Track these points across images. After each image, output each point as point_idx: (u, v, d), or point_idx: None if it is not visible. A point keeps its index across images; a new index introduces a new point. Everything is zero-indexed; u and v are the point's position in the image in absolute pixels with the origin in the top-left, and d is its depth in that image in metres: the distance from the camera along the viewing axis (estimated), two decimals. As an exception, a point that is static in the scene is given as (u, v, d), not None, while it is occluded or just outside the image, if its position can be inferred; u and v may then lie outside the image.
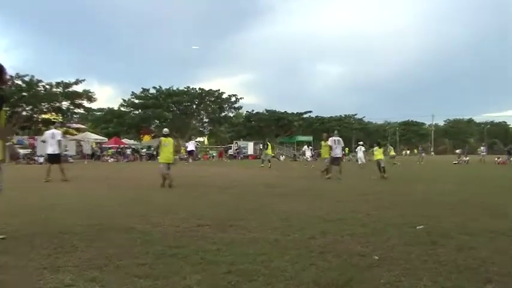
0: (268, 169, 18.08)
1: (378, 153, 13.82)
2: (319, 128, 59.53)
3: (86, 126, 41.71)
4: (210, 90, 41.56)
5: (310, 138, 50.23)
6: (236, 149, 39.15)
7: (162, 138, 9.48)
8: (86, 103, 33.10)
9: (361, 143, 21.11)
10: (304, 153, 22.05)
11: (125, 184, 9.79)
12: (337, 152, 11.93)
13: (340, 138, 12.14)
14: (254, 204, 6.25)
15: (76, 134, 34.52)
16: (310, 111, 51.58)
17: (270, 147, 21.76)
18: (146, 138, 40.69)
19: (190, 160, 25.39)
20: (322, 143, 12.74)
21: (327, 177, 11.29)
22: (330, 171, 11.73)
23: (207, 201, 6.64)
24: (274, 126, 48.50)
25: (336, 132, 12.40)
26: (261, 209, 5.77)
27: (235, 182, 10.42)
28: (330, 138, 12.05)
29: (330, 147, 11.91)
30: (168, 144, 9.35)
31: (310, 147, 22.75)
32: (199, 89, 41.37)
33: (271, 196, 7.32)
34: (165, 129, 9.87)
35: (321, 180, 11.13)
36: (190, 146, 26.62)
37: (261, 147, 23.37)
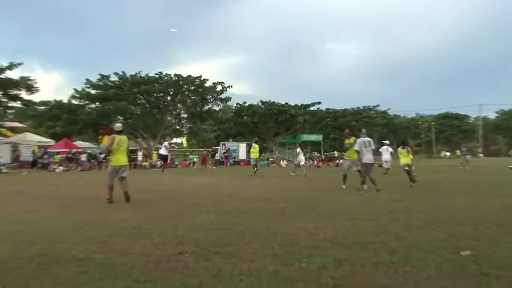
0: (261, 178, 18.14)
1: (404, 156, 13.92)
2: (330, 124, 60.20)
3: (24, 125, 41.48)
4: (189, 76, 41.68)
5: (319, 137, 50.50)
6: (224, 153, 39.25)
7: (116, 135, 9.67)
8: (24, 94, 32.90)
9: (387, 142, 21.23)
10: (298, 155, 22.14)
11: (78, 201, 9.75)
12: (370, 158, 11.91)
13: (370, 139, 12.06)
14: (248, 224, 6.27)
15: (11, 136, 34.25)
16: (318, 103, 51.77)
17: (255, 147, 22.17)
18: (106, 140, 40.58)
19: (158, 168, 25.36)
20: (346, 141, 12.75)
21: (376, 191, 11.19)
22: (373, 181, 11.63)
23: (187, 221, 6.64)
24: (273, 123, 48.63)
25: (363, 131, 12.31)
26: (257, 230, 5.79)
27: (223, 196, 10.44)
28: (358, 140, 11.93)
29: (357, 153, 11.84)
30: (123, 144, 9.58)
31: (302, 148, 22.50)
32: (175, 75, 41.50)
33: (270, 214, 7.35)
34: (118, 125, 10.07)
35: (334, 193, 11.17)
36: (163, 149, 26.47)
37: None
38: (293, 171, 21.88)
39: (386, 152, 19.99)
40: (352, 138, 12.55)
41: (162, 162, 26.54)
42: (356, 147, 11.91)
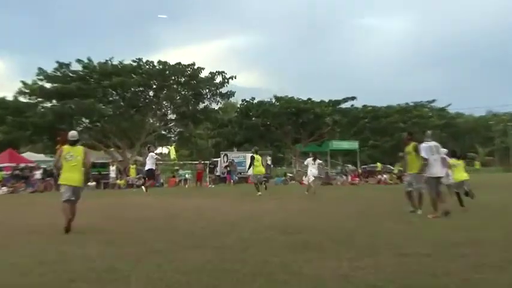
0: (276, 199, 18.15)
1: (458, 170, 13.97)
2: (369, 126, 60.03)
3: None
4: (178, 64, 42.00)
5: (354, 144, 50.44)
6: (226, 166, 39.25)
7: (66, 147, 9.94)
8: None
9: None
10: (308, 169, 22.36)
11: (29, 233, 9.77)
12: (438, 170, 11.84)
13: (438, 145, 12.06)
14: (258, 263, 6.24)
15: None
16: (352, 98, 51.36)
17: (258, 159, 22.63)
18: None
19: (143, 188, 24.89)
20: (406, 149, 12.68)
21: (443, 213, 11.18)
22: (441, 200, 11.62)
23: (177, 259, 6.64)
24: (292, 126, 48.62)
25: (428, 133, 12.30)
26: (271, 272, 5.76)
27: (226, 225, 10.45)
28: (422, 145, 11.93)
29: (424, 160, 11.78)
30: (74, 157, 9.80)
31: (317, 159, 22.50)
32: (160, 62, 41.82)
33: (288, 248, 7.32)
34: (72, 133, 10.28)
35: (375, 219, 11.12)
36: (149, 162, 25.70)
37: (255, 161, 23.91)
38: (307, 190, 22.11)
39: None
40: (412, 145, 12.47)
41: (146, 180, 26.06)
42: (423, 154, 11.82)
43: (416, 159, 12.12)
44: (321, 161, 24.98)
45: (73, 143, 9.97)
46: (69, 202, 9.60)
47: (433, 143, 12.01)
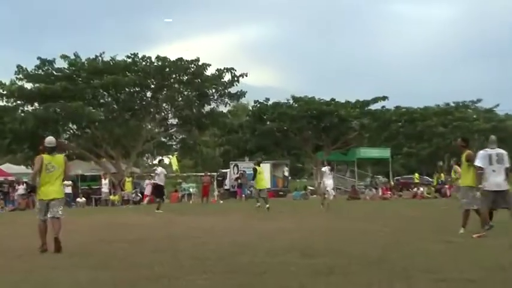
0: (294, 217, 18.15)
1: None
2: (403, 131, 59.68)
3: None
4: (180, 60, 42.06)
5: (385, 152, 50.23)
6: (236, 178, 39.23)
7: (46, 156, 10.05)
8: None
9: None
10: (322, 181, 23.01)
11: (8, 258, 9.80)
12: (497, 181, 11.73)
13: (503, 152, 11.94)
14: (275, 290, 6.24)
15: None
16: (383, 99, 51.23)
17: (261, 172, 23.30)
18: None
19: (158, 210, 25.00)
20: (463, 158, 12.57)
21: (484, 232, 11.15)
22: (485, 220, 11.56)
23: (182, 285, 6.70)
24: (312, 131, 48.56)
25: (492, 138, 12.24)
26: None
27: (236, 246, 10.47)
28: (480, 152, 11.84)
29: (478, 170, 11.70)
30: (55, 168, 9.96)
31: (330, 169, 22.94)
32: (158, 58, 41.93)
33: (309, 273, 7.31)
34: (50, 139, 10.41)
35: (409, 238, 11.10)
36: (158, 176, 25.75)
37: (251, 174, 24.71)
38: (321, 202, 22.55)
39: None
40: (465, 153, 12.36)
41: (157, 198, 26.26)
42: (478, 163, 11.66)
43: (468, 169, 12.04)
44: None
45: (51, 151, 10.11)
46: (52, 220, 9.80)
47: (496, 151, 11.82)
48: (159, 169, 26.25)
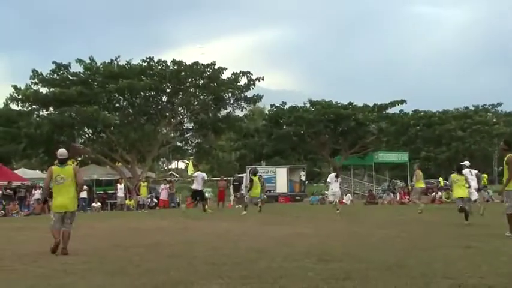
0: (312, 221, 18.11)
1: (458, 186, 14.58)
2: (421, 134, 59.41)
3: None
4: (196, 64, 42.12)
5: (403, 156, 49.98)
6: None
7: (55, 167, 10.38)
8: None
9: (466, 163, 21.25)
10: (328, 188, 24.28)
11: (22, 263, 9.84)
12: None
13: None
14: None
15: None
16: (401, 102, 50.88)
17: (256, 181, 24.25)
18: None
19: (207, 210, 26.40)
20: (505, 161, 12.45)
21: None
22: None
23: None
24: (330, 135, 48.48)
25: None
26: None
27: (252, 252, 10.48)
28: None
29: None
30: (65, 179, 10.23)
31: (338, 176, 23.39)
32: (174, 62, 41.96)
33: (327, 279, 7.30)
34: (61, 151, 10.65)
35: (429, 243, 11.04)
36: (197, 182, 26.42)
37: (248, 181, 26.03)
38: (337, 208, 22.80)
39: (472, 177, 19.99)
40: (507, 156, 12.21)
41: (198, 201, 27.51)
42: None
43: (509, 173, 11.96)
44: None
45: (62, 162, 10.37)
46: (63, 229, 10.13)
47: None
48: (196, 173, 27.41)
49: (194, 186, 26.86)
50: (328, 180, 24.27)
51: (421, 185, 24.70)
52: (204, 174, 27.61)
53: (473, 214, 16.64)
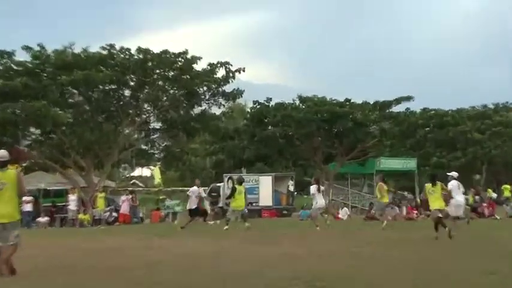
0: (300, 239, 18.11)
1: (435, 198, 16.30)
2: (431, 137, 59.80)
3: None
4: (166, 53, 42.12)
5: (410, 163, 50.27)
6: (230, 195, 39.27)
7: None
8: None
9: (454, 174, 21.98)
10: (315, 202, 24.31)
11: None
12: None
13: None
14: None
15: None
16: (407, 99, 51.14)
17: (241, 192, 24.63)
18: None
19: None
20: None
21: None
22: None
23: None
24: (323, 136, 48.72)
25: None
26: None
27: (233, 277, 10.47)
28: None
29: None
30: (4, 185, 10.24)
31: (317, 188, 24.15)
32: (139, 50, 41.90)
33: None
34: (2, 152, 10.66)
35: (438, 265, 11.06)
36: (191, 198, 26.86)
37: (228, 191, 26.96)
38: (327, 221, 24.52)
39: (457, 190, 20.79)
40: None
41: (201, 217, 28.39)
42: None
43: None
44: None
45: (2, 166, 10.35)
46: (4, 246, 9.93)
47: None
48: (191, 189, 27.88)
49: (189, 206, 27.42)
50: (311, 192, 24.76)
51: (385, 199, 25.60)
52: (201, 190, 27.97)
53: (459, 230, 17.65)
